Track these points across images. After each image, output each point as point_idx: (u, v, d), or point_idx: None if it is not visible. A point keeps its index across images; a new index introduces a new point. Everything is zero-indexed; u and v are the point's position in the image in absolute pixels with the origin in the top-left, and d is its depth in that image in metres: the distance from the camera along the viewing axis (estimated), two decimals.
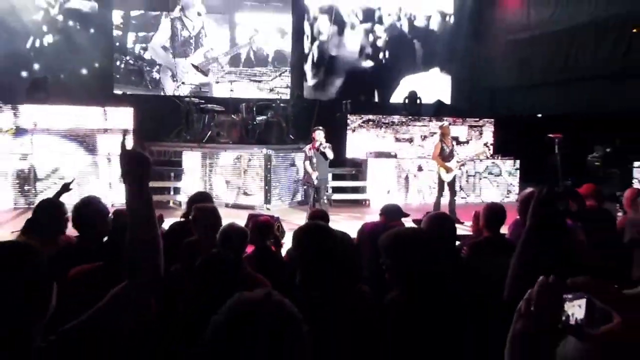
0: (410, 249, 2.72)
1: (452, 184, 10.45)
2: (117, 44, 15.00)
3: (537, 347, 1.18)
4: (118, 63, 14.94)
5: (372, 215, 8.40)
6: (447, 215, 3.86)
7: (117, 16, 15.03)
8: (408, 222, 4.74)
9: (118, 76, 14.93)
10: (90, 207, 3.88)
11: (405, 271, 2.70)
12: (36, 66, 14.27)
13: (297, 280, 2.75)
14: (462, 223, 8.18)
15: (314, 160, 9.58)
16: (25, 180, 11.11)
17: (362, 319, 2.64)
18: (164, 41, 15.15)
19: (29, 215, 8.43)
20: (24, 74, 13.96)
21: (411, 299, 2.67)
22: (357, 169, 13.23)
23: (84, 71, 14.47)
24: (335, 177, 12.53)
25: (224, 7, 15.47)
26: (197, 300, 2.73)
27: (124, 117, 11.91)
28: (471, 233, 5.58)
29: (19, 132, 10.48)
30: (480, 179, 13.56)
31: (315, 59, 16.44)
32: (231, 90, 13.75)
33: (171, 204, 11.70)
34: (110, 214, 3.99)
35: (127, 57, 14.98)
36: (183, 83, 13.87)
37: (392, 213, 5.25)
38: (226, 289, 1.93)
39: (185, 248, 3.76)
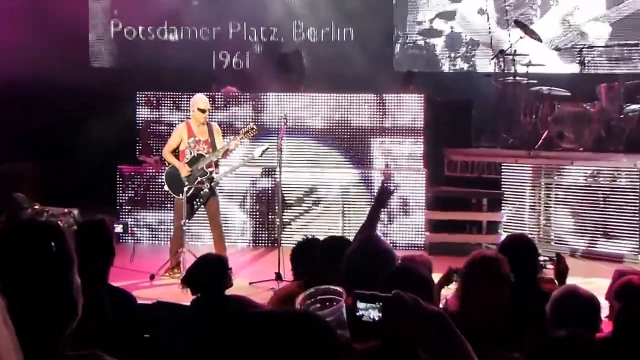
0: None
1: None
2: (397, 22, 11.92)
3: None
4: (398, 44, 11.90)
5: None
6: None
7: None
8: None
9: (396, 57, 11.84)
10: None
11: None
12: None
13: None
14: None
15: None
16: None
17: None
18: (480, 4, 11.36)
19: None
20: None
21: None
22: None
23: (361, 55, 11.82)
24: None
25: None
26: None
27: (413, 104, 9.13)
28: None
29: None
30: None
31: None
32: (582, 64, 9.42)
33: (483, 247, 8.03)
34: None
35: (409, 36, 11.93)
36: (501, 52, 10.04)
37: None
38: None
39: None
